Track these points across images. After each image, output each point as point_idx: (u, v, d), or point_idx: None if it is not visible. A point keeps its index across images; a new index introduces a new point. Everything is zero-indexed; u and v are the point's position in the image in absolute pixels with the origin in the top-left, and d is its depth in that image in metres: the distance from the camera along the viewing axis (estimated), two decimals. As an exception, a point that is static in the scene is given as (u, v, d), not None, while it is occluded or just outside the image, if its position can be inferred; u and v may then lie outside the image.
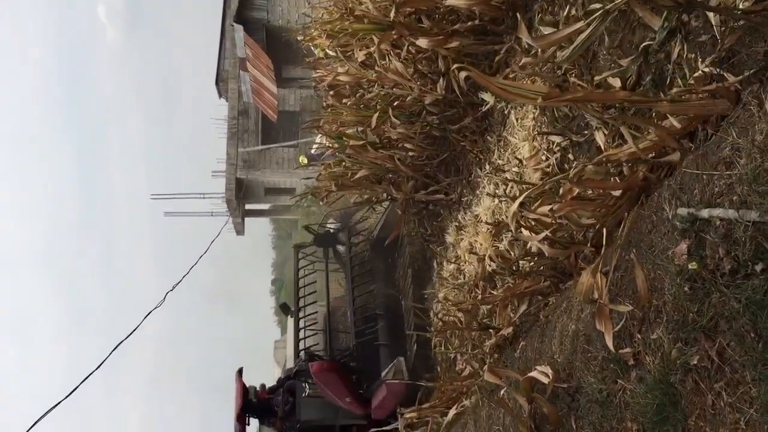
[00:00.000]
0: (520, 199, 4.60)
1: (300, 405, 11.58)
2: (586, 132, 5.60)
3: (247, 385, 12.11)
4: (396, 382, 10.06)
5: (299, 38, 10.93)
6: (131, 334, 7.18)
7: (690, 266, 3.25)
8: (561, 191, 4.49)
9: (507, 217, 5.27)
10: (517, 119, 6.94)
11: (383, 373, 10.22)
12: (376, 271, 12.65)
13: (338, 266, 13.10)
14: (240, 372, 12.18)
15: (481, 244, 7.76)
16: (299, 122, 25.30)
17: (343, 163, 10.07)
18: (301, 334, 12.73)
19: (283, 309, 14.69)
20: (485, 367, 5.37)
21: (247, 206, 30.23)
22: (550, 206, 4.84)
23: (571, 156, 5.86)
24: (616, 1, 3.21)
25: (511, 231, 5.26)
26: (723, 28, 3.79)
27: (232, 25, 21.61)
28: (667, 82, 4.40)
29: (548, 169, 6.24)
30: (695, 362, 3.20)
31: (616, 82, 4.70)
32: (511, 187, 6.90)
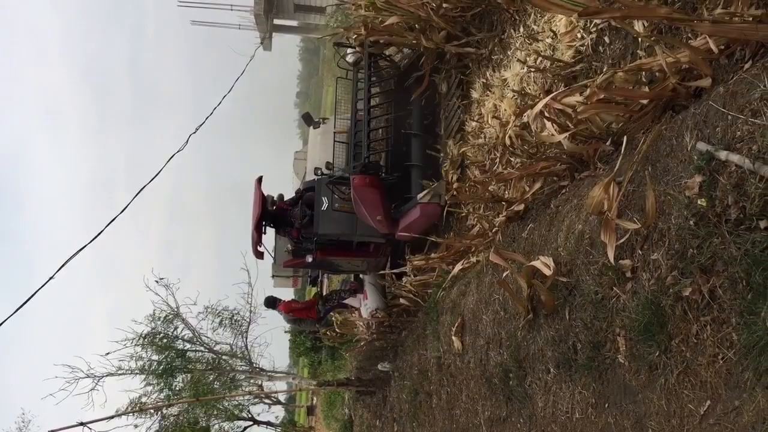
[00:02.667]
0: (545, 100, 4.54)
1: (318, 217, 11.32)
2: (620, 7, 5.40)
3: (266, 194, 11.90)
4: (431, 204, 9.64)
5: None
6: (154, 178, 7.36)
7: (699, 202, 3.30)
8: (588, 92, 4.41)
9: (530, 105, 5.20)
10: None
11: (420, 195, 9.61)
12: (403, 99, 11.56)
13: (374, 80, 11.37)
14: (259, 180, 11.91)
15: (505, 110, 7.70)
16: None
17: (374, 5, 9.73)
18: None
19: (306, 119, 14.06)
20: (492, 249, 5.56)
21: (276, 21, 29.50)
22: (576, 99, 4.80)
23: (607, 39, 5.67)
24: None
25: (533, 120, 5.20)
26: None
27: None
28: (713, -7, 4.19)
29: (582, 48, 6.06)
30: (687, 294, 3.34)
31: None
32: (542, 61, 6.72)
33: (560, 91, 4.71)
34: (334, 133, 11.53)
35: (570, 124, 5.06)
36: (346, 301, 14.03)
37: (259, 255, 12.07)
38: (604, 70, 5.28)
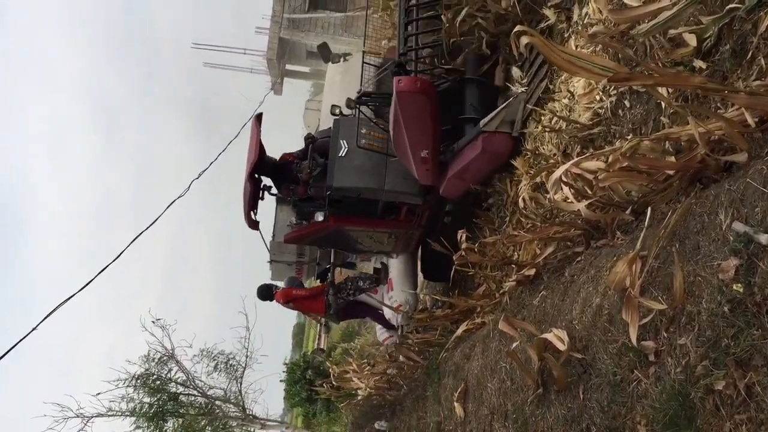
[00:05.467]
0: (566, 166, 4.31)
1: (334, 166, 8.43)
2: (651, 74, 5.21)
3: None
4: (500, 134, 7.02)
5: None
6: (153, 224, 7.15)
7: (735, 288, 3.04)
8: (611, 159, 4.19)
9: (547, 176, 4.99)
10: (576, 47, 6.47)
11: (484, 120, 6.99)
12: None
13: None
14: (259, 118, 8.99)
15: (517, 169, 7.49)
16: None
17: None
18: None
19: (323, 51, 11.29)
20: (501, 317, 5.28)
21: (288, 66, 29.70)
22: (597, 164, 4.58)
23: (627, 103, 5.47)
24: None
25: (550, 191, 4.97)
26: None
27: None
28: (748, 56, 3.99)
29: (600, 111, 5.87)
30: (720, 387, 3.05)
31: (692, 40, 4.28)
32: (558, 121, 6.54)
33: (581, 157, 4.48)
34: (363, 53, 8.75)
35: (589, 191, 4.83)
36: (363, 298, 10.72)
37: (253, 224, 9.09)
38: (627, 136, 5.08)
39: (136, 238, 6.91)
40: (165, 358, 18.53)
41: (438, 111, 7.33)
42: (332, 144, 8.63)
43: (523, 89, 6.98)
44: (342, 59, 11.26)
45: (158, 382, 18.42)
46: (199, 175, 8.04)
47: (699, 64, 4.25)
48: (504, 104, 6.93)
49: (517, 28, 4.22)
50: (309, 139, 9.32)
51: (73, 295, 5.63)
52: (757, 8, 3.90)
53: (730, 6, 4.06)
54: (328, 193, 8.55)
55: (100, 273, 6.23)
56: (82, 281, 6.20)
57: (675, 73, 3.55)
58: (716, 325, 3.15)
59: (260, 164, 8.77)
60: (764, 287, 2.89)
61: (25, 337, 5.22)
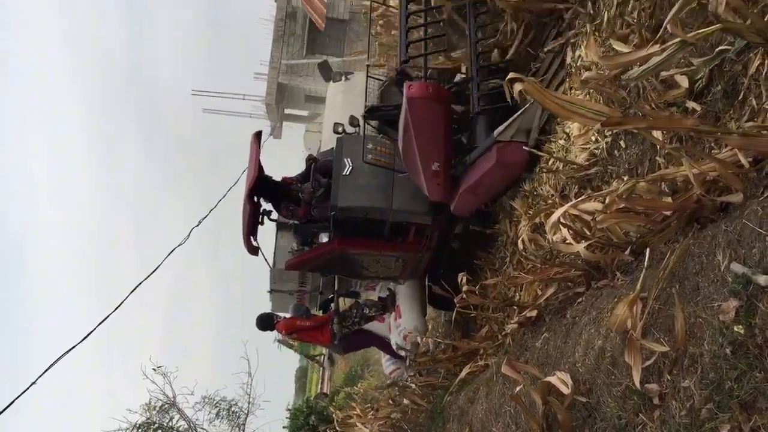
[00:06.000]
0: (564, 209, 4.33)
1: (338, 185, 7.96)
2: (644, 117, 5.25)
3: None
4: (515, 144, 6.51)
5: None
6: (152, 273, 7.15)
7: (736, 329, 3.03)
8: (607, 201, 4.21)
9: (545, 217, 5.01)
10: (571, 88, 6.55)
11: (499, 130, 6.51)
12: None
13: None
14: (258, 135, 8.56)
15: (515, 209, 7.51)
16: (347, 31, 24.70)
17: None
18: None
19: (323, 70, 11.02)
20: (504, 360, 5.25)
21: (286, 111, 30.01)
22: (594, 205, 4.60)
23: (622, 143, 5.51)
24: (698, 32, 2.86)
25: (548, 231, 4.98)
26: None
27: (287, -75, 20.76)
28: (740, 97, 4.04)
29: (596, 151, 5.91)
30: (725, 431, 3.02)
31: (684, 81, 4.33)
32: (554, 162, 6.58)
33: (579, 199, 4.50)
34: (368, 66, 8.56)
35: (587, 232, 4.84)
36: (370, 327, 10.16)
37: (253, 249, 8.54)
38: (623, 176, 5.12)
39: (135, 288, 6.91)
40: (166, 406, 18.33)
41: (450, 120, 6.97)
42: (336, 163, 8.22)
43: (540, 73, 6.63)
44: (343, 78, 10.65)
45: (159, 431, 18.20)
46: (199, 222, 8.03)
47: (692, 105, 4.30)
48: (519, 112, 6.49)
49: (510, 75, 4.27)
50: (311, 160, 9.01)
51: (73, 347, 5.60)
52: (747, 50, 3.96)
53: (720, 48, 4.13)
54: (332, 213, 8.10)
55: (99, 324, 6.21)
56: (81, 328, 6.19)
57: (668, 116, 3.59)
58: (719, 368, 3.13)
59: (260, 183, 8.36)
60: (765, 329, 2.88)
61: (24, 392, 5.19)
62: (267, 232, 9.27)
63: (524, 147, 6.49)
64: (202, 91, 27.20)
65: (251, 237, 8.47)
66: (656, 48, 3.03)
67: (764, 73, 3.80)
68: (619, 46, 4.01)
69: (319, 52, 24.98)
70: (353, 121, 8.08)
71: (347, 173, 8.02)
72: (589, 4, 6.28)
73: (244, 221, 8.39)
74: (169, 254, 7.46)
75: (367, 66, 8.61)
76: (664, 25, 2.63)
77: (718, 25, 3.05)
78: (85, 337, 5.96)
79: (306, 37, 25.19)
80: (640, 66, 3.20)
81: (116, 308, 6.74)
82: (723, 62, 4.17)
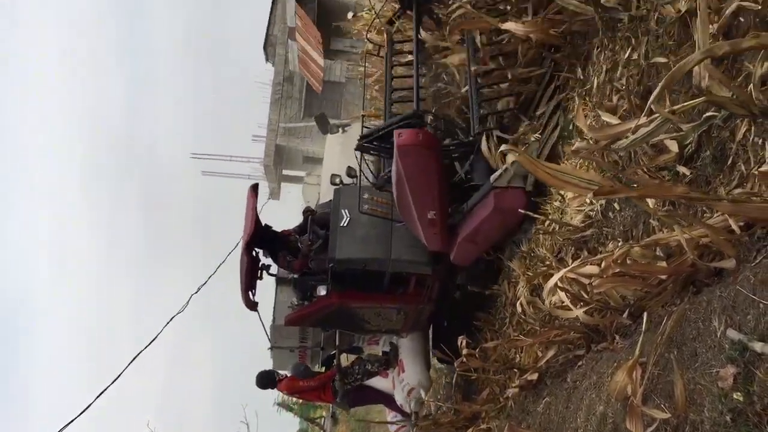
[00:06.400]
0: (560, 274, 4.38)
1: (336, 236, 7.88)
2: (635, 185, 5.34)
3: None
4: (513, 189, 6.39)
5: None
6: (151, 342, 7.14)
7: (734, 396, 3.04)
8: (603, 266, 4.25)
9: (544, 281, 5.05)
10: (564, 154, 6.66)
11: (494, 176, 6.38)
12: None
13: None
14: (254, 188, 8.51)
15: (514, 270, 7.54)
16: (343, 94, 25.10)
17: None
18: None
19: (321, 122, 11.00)
20: (506, 425, 5.22)
21: (285, 172, 30.26)
22: (591, 269, 4.64)
23: (617, 206, 5.58)
24: (684, 104, 2.95)
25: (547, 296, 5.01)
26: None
27: (284, -6, 21.33)
28: (729, 162, 4.12)
29: (591, 213, 5.98)
30: (728, 500, 3.00)
31: (674, 146, 4.42)
32: (551, 224, 6.64)
33: (575, 264, 4.55)
34: (363, 116, 8.45)
35: (585, 295, 4.87)
36: (373, 383, 9.81)
37: (252, 305, 8.33)
38: (618, 238, 5.17)
39: (134, 358, 6.86)
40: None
41: (443, 167, 6.82)
42: (333, 214, 8.14)
43: (535, 137, 6.58)
44: (341, 130, 10.77)
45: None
46: (198, 289, 7.99)
47: (682, 170, 4.38)
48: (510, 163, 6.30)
49: (503, 147, 4.36)
50: (308, 212, 8.93)
51: (71, 421, 5.55)
52: (733, 117, 4.06)
53: (707, 114, 4.23)
54: (330, 265, 7.94)
55: (98, 396, 6.16)
56: (79, 399, 6.12)
57: (658, 184, 3.67)
58: (720, 435, 3.13)
59: (258, 233, 8.17)
60: (763, 396, 2.89)
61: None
62: (267, 288, 9.07)
63: (523, 192, 6.41)
64: (201, 154, 27.50)
65: (250, 292, 8.30)
66: (644, 120, 3.12)
67: (751, 139, 3.89)
68: (607, 117, 4.13)
69: (317, 111, 25.35)
70: (350, 172, 8.07)
71: (345, 224, 7.94)
72: (579, 70, 6.45)
73: (242, 275, 8.25)
74: (168, 322, 7.44)
75: (363, 116, 8.71)
76: (649, 102, 2.72)
77: (702, 98, 3.15)
78: (84, 410, 5.91)
79: (303, 100, 25.60)
80: (629, 136, 3.29)
81: (115, 379, 6.70)
82: (711, 128, 4.26)
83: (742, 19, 4.11)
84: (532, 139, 6.51)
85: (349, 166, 8.10)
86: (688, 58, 2.62)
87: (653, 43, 5.14)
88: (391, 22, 8.24)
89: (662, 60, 4.82)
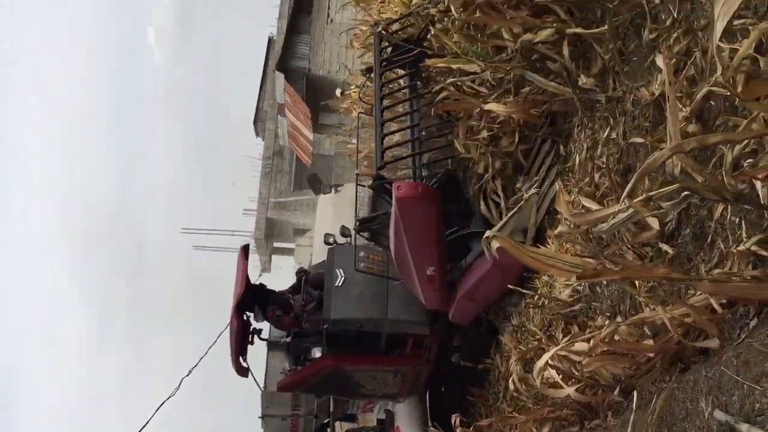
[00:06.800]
0: (550, 353, 4.42)
1: (331, 296, 7.68)
2: (618, 267, 5.42)
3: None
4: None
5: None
6: (144, 426, 7.04)
7: (724, 478, 3.06)
8: (591, 345, 4.30)
9: (536, 360, 5.09)
10: (552, 232, 6.77)
11: (491, 231, 5.51)
12: None
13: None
14: (245, 250, 8.62)
15: (505, 344, 7.55)
16: (333, 167, 25.41)
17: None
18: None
19: (313, 183, 10.95)
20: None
21: (276, 244, 30.29)
22: (581, 346, 4.68)
23: (604, 281, 5.67)
24: (659, 190, 3.07)
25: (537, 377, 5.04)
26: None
27: (274, 72, 21.83)
28: (708, 240, 4.22)
29: (579, 288, 6.05)
30: None
31: (655, 223, 4.53)
32: (540, 298, 6.70)
33: (564, 342, 4.60)
34: (357, 175, 8.22)
35: (576, 372, 4.89)
36: None
37: (242, 371, 8.16)
38: (606, 312, 5.23)
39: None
40: None
41: (442, 221, 6.67)
42: (327, 274, 7.96)
43: (534, 191, 6.47)
44: (333, 189, 10.73)
45: None
46: (189, 372, 7.93)
47: (665, 247, 4.48)
48: (513, 211, 6.30)
49: (487, 233, 4.47)
50: (301, 272, 8.74)
51: None
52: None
53: (685, 193, 4.36)
54: (325, 326, 7.73)
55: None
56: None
57: (640, 265, 3.76)
58: None
59: (250, 292, 8.05)
60: (752, 478, 2.91)
61: None
62: (258, 353, 8.87)
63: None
64: (191, 228, 27.57)
65: (240, 357, 8.12)
66: (622, 206, 3.23)
67: (728, 218, 4.01)
68: (587, 203, 4.25)
69: (306, 187, 25.60)
70: (344, 231, 7.99)
71: (339, 284, 7.78)
72: (561, 146, 6.63)
73: (232, 340, 8.07)
74: (159, 406, 7.35)
75: (357, 175, 8.39)
76: (624, 195, 2.84)
77: (676, 185, 3.27)
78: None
79: (293, 173, 25.89)
80: (609, 220, 3.39)
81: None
82: (689, 206, 4.39)
83: (713, 103, 4.31)
84: (531, 192, 6.45)
85: (342, 225, 8.03)
86: (659, 153, 2.75)
87: (630, 124, 5.32)
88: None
89: (639, 140, 5.00)
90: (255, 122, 28.45)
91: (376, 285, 7.83)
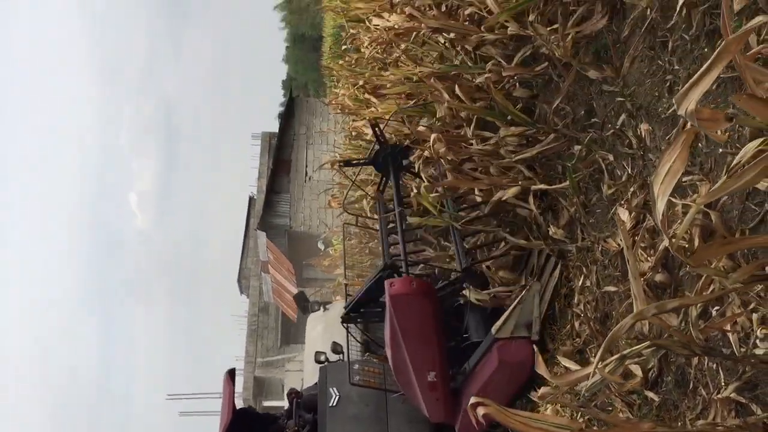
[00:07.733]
0: None
1: (325, 418, 7.16)
2: (610, 409, 5.43)
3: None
4: (517, 340, 5.59)
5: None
6: None
7: None
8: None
9: None
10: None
11: (496, 326, 5.61)
12: None
13: None
14: (231, 374, 8.24)
15: None
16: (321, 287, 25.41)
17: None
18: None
19: (300, 301, 10.59)
20: None
21: (265, 403, 29.64)
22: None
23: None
24: (632, 348, 3.19)
25: None
26: (743, 351, 3.75)
27: (256, 230, 22.34)
28: (690, 386, 4.30)
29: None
30: None
31: (638, 371, 4.61)
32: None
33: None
34: (346, 285, 7.78)
35: None
36: None
37: None
38: None
39: None
40: None
41: (440, 318, 6.06)
42: (320, 395, 7.43)
43: (533, 285, 6.03)
44: (322, 308, 10.17)
45: None
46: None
47: (650, 395, 4.55)
48: (515, 303, 5.79)
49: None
50: (293, 394, 8.26)
51: None
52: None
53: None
54: None
55: None
56: None
57: (626, 421, 3.81)
58: None
59: (238, 418, 7.65)
60: None
61: None
62: None
63: (528, 342, 5.64)
64: (177, 394, 26.97)
65: None
66: (601, 365, 3.33)
67: (706, 364, 4.12)
68: (567, 363, 4.35)
69: (293, 341, 25.50)
70: (336, 348, 7.51)
71: (334, 404, 7.23)
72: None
73: None
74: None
75: (345, 284, 8.05)
76: (595, 362, 2.95)
77: (646, 343, 3.40)
78: None
79: (280, 329, 25.86)
80: (590, 379, 3.49)
81: None
82: (669, 353, 4.50)
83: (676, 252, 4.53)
84: (531, 286, 6.01)
85: (334, 342, 7.55)
86: (623, 321, 2.90)
87: (602, 272, 5.52)
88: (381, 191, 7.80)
89: (613, 288, 5.17)
90: (239, 280, 28.71)
91: (374, 402, 7.23)
